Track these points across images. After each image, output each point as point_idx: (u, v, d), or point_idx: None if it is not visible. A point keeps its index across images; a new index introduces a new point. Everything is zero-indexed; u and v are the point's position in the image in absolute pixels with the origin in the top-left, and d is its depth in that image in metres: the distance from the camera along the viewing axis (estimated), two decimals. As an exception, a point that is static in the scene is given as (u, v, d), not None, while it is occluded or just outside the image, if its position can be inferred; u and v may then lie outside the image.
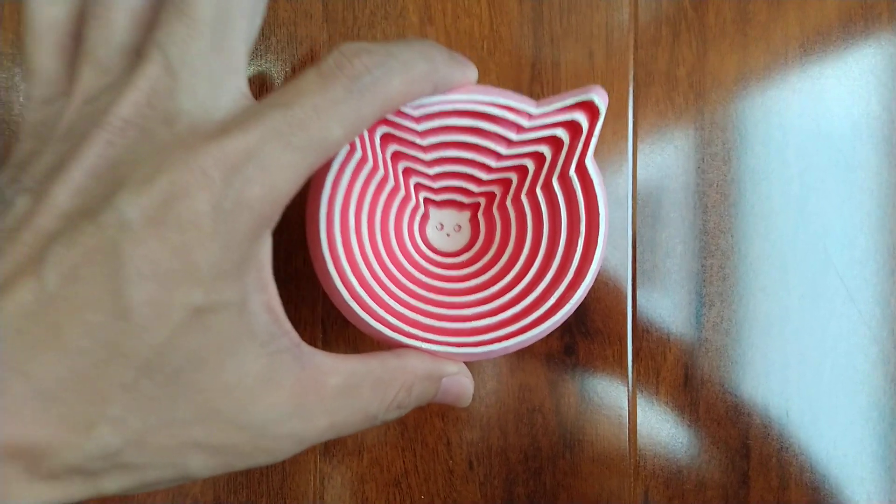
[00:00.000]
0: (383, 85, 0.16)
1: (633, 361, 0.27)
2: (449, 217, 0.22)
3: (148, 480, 0.15)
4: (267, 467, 0.26)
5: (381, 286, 0.20)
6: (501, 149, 0.20)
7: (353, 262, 0.19)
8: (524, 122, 0.20)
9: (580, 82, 0.27)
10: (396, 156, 0.20)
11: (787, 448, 0.27)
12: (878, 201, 0.28)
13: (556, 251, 0.20)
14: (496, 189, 0.22)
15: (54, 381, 0.14)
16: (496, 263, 0.21)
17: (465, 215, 0.23)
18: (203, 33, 0.15)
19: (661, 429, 0.27)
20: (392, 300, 0.20)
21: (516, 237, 0.21)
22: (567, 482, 0.27)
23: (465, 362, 0.20)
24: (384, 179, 0.20)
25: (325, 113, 0.15)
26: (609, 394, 0.27)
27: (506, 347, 0.19)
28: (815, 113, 0.28)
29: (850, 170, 0.28)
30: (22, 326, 0.13)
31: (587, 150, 0.19)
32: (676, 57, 0.27)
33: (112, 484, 0.15)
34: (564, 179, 0.20)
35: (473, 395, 0.26)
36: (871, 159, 0.28)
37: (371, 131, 0.19)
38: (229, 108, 0.15)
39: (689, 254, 0.27)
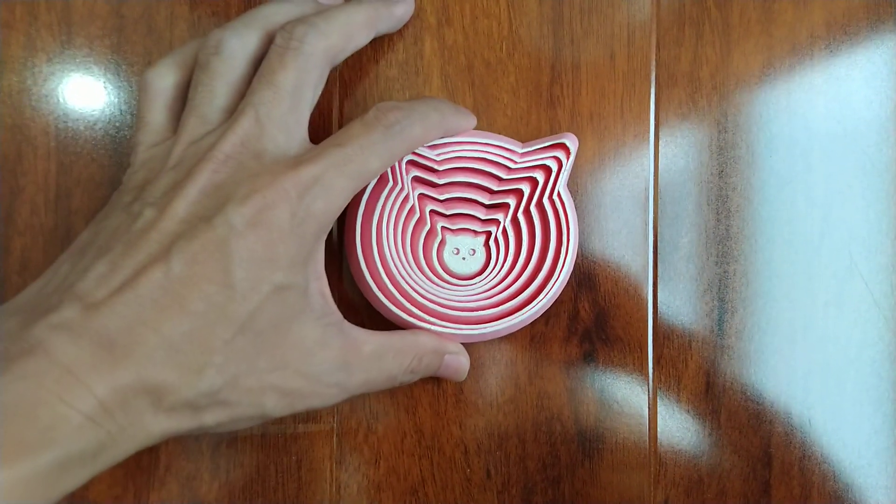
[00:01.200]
0: (408, 130, 0.22)
1: (653, 368, 0.27)
2: (464, 242, 0.25)
3: (236, 415, 0.20)
4: (282, 475, 0.26)
5: (402, 280, 0.24)
6: (502, 174, 0.25)
7: (384, 261, 0.24)
8: (515, 158, 0.25)
9: (601, 84, 0.26)
10: (416, 181, 0.25)
11: (810, 457, 0.27)
12: (905, 206, 0.27)
13: (546, 259, 0.25)
14: (500, 216, 0.25)
15: (178, 335, 0.18)
16: (497, 269, 0.25)
17: (480, 240, 0.25)
18: (284, 99, 0.21)
19: (682, 437, 0.27)
20: (411, 291, 0.24)
21: (514, 249, 0.25)
22: (586, 491, 0.26)
23: (464, 344, 0.25)
24: (406, 199, 0.24)
25: (367, 150, 0.21)
26: (629, 401, 0.27)
27: (496, 331, 0.24)
28: (841, 115, 0.27)
29: (877, 173, 0.27)
30: (155, 296, 0.18)
31: (558, 181, 0.24)
32: (700, 57, 0.27)
33: (211, 417, 0.19)
34: (548, 203, 0.25)
35: (491, 403, 0.26)
36: (898, 162, 0.27)
37: (400, 162, 0.24)
38: (297, 149, 0.21)
39: (711, 259, 0.27)
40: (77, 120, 0.24)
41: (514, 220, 0.25)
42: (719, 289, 0.27)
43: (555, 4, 0.26)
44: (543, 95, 0.26)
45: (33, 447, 0.16)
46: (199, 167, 0.20)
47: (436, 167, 0.24)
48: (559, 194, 0.25)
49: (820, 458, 0.27)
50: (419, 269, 0.25)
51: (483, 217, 0.25)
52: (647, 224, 0.27)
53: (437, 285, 0.25)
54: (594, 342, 0.26)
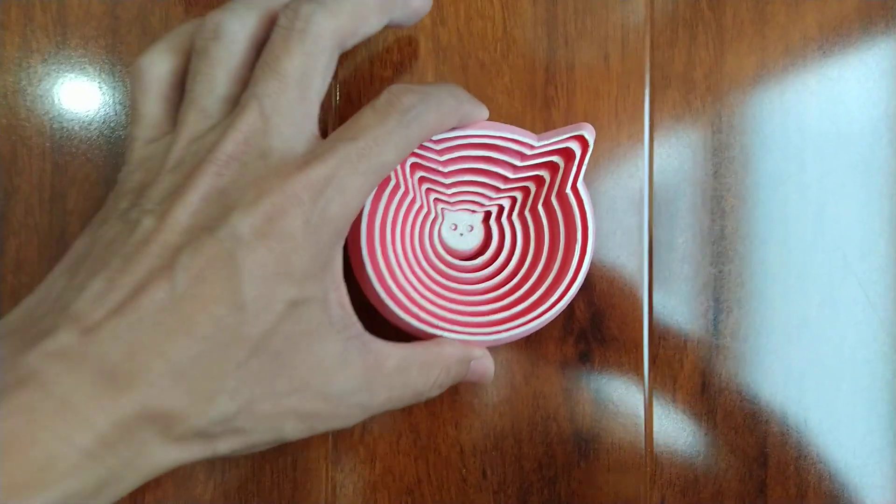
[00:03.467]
0: (424, 116, 0.20)
1: (649, 368, 0.27)
2: (462, 218, 0.25)
3: (252, 442, 0.19)
4: (278, 476, 0.25)
5: (412, 288, 0.23)
6: (508, 173, 0.24)
7: (390, 268, 0.23)
8: (527, 152, 0.23)
9: (595, 85, 0.27)
10: (422, 180, 0.24)
11: (806, 456, 0.27)
12: (898, 206, 0.27)
13: (556, 257, 0.24)
14: (505, 202, 0.25)
15: (185, 360, 0.17)
16: (505, 268, 0.25)
17: (478, 217, 0.25)
18: (290, 88, 0.19)
19: (677, 437, 0.27)
20: (422, 300, 0.23)
21: (522, 246, 0.25)
22: (582, 491, 0.26)
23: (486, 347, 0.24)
24: (412, 201, 0.24)
25: (382, 141, 0.19)
26: (625, 401, 0.27)
27: (513, 335, 0.23)
28: (834, 115, 0.27)
29: (870, 174, 0.27)
30: (158, 318, 0.17)
31: (580, 172, 0.23)
32: (693, 59, 0.27)
33: (225, 445, 0.18)
34: (562, 197, 0.24)
35: (487, 403, 0.26)
36: (891, 163, 0.27)
37: (403, 162, 0.23)
38: (307, 145, 0.19)
39: (706, 259, 0.27)
40: (72, 120, 0.24)
41: (521, 215, 0.24)
42: (714, 289, 0.27)
43: (549, 6, 0.26)
44: (538, 96, 0.26)
45: (26, 491, 0.15)
46: (200, 170, 0.18)
47: (441, 168, 0.23)
48: (574, 189, 0.23)
49: (816, 458, 0.27)
50: (424, 254, 0.24)
51: (486, 204, 0.25)
52: (641, 225, 0.27)
53: (448, 288, 0.24)
54: (590, 342, 0.26)
